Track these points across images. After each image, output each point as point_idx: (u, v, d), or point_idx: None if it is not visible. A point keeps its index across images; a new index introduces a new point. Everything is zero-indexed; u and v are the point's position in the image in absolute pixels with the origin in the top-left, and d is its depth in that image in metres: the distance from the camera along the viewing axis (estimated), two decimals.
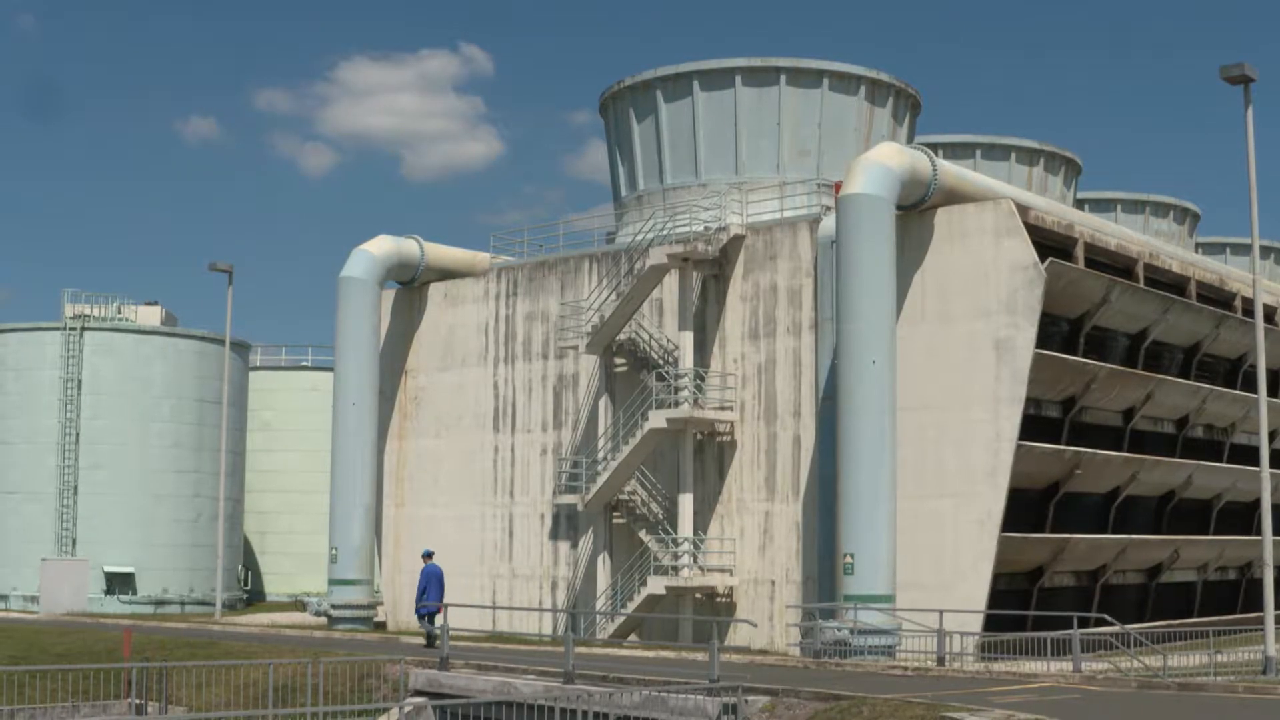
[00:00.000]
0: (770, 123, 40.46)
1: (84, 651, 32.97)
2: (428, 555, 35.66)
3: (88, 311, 55.80)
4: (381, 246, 44.94)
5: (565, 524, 42.29)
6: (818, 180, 39.84)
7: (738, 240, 38.65)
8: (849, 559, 31.74)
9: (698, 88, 40.86)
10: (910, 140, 43.25)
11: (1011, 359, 33.13)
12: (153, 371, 54.92)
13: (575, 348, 41.50)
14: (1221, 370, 44.61)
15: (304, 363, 68.29)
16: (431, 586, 34.13)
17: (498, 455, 44.15)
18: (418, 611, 34.70)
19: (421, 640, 34.43)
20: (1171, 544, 41.32)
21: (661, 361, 39.67)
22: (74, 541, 53.04)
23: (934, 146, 47.18)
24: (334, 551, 43.22)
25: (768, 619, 36.82)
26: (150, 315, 57.58)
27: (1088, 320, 36.74)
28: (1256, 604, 34.57)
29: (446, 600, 34.28)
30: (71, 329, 54.11)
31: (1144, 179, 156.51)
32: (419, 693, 27.67)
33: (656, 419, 37.59)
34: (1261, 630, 28.67)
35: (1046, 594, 37.17)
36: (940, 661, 29.33)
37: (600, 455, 40.54)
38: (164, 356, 55.23)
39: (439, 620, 33.77)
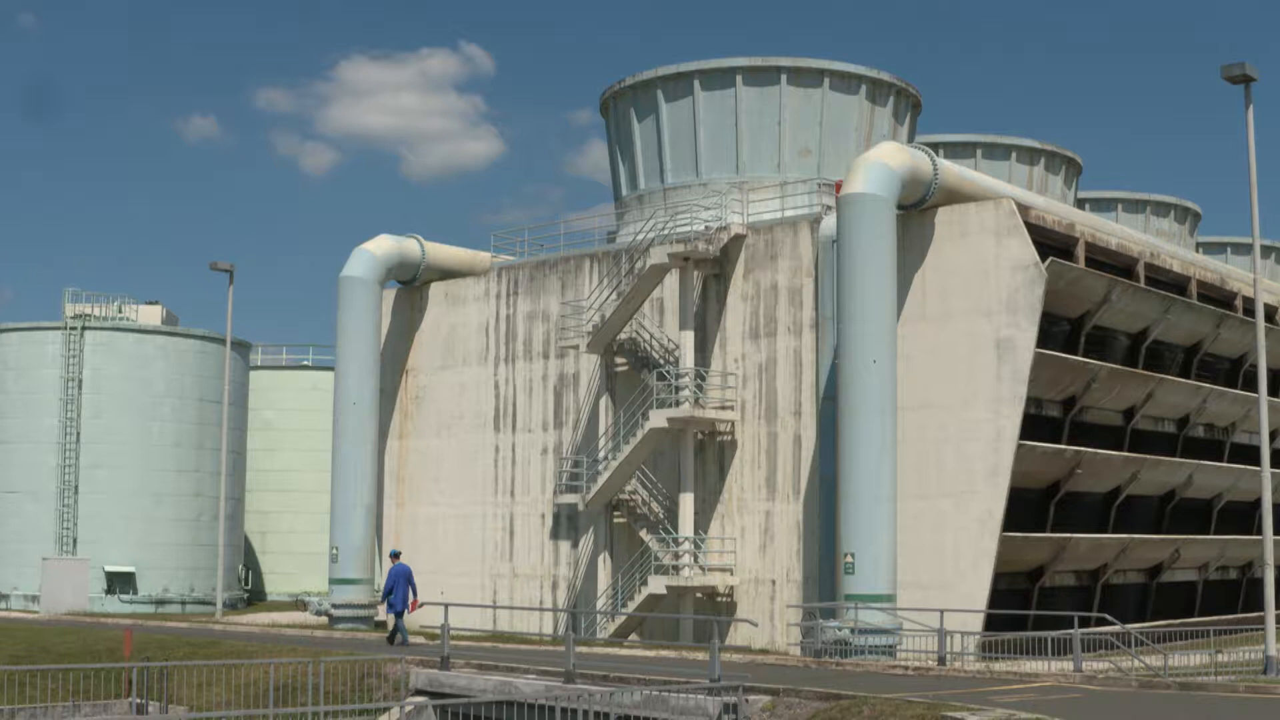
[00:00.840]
0: (771, 122, 40.47)
1: (85, 651, 32.97)
2: (395, 555, 36.17)
3: (88, 311, 55.81)
4: (382, 246, 44.95)
5: (566, 523, 42.29)
6: (818, 180, 39.84)
7: (738, 240, 38.65)
8: (849, 558, 31.75)
9: (698, 87, 40.86)
10: (911, 140, 43.25)
11: (1012, 358, 33.13)
12: (153, 371, 54.93)
13: (576, 347, 41.51)
14: (1222, 370, 44.61)
15: (305, 362, 68.29)
16: (399, 585, 34.45)
17: (498, 455, 44.16)
18: (389, 611, 34.99)
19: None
20: (1172, 543, 41.32)
21: (662, 361, 39.68)
22: (75, 541, 53.05)
23: (935, 146, 47.19)
24: (335, 551, 43.24)
25: (768, 618, 36.83)
26: (151, 315, 57.58)
27: (1088, 320, 36.74)
28: (1257, 603, 34.60)
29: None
30: (72, 328, 54.12)
31: (1144, 179, 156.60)
32: (420, 692, 27.67)
33: (657, 418, 37.59)
34: (1262, 630, 28.68)
35: (1047, 593, 37.17)
36: (941, 661, 29.34)
37: (601, 455, 40.55)
38: (165, 356, 55.24)
39: (409, 617, 34.67)
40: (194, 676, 28.52)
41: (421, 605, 36.92)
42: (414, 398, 46.43)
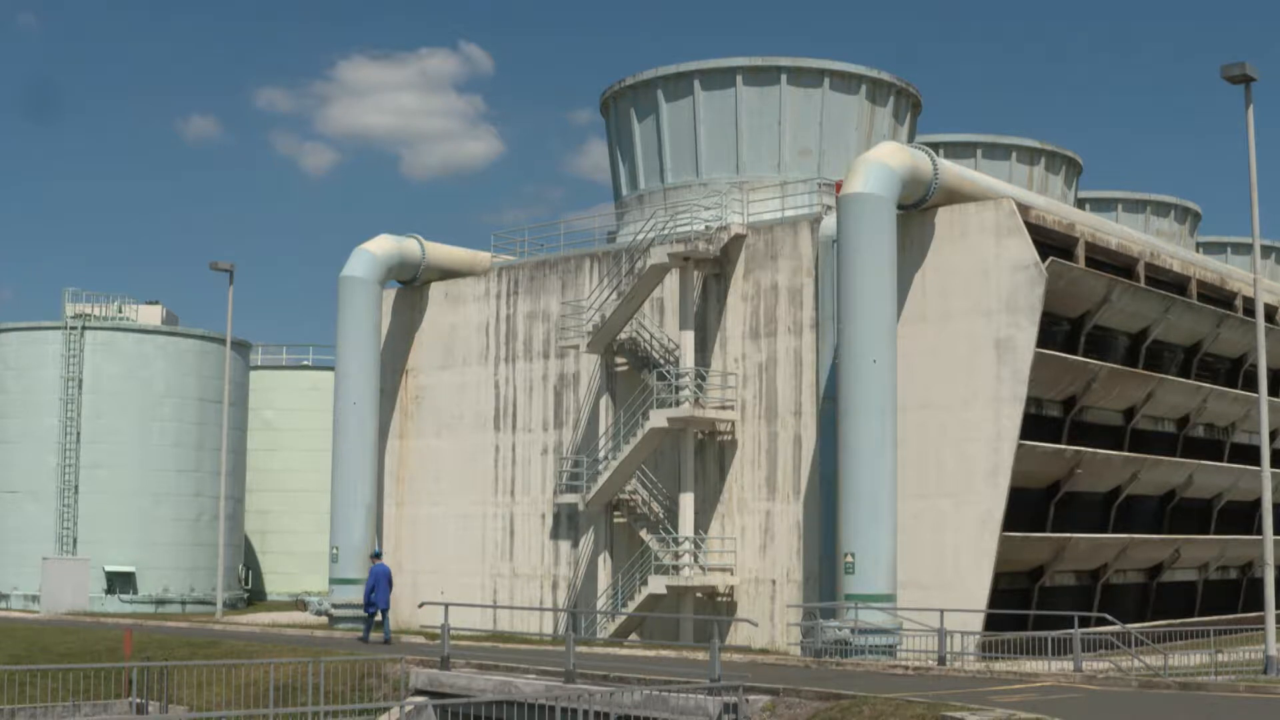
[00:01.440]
0: (771, 122, 40.47)
1: (85, 651, 32.97)
2: (376, 555, 36.41)
3: (89, 311, 55.80)
4: (382, 246, 44.96)
5: (566, 523, 42.29)
6: (819, 179, 39.84)
7: (739, 239, 38.65)
8: (850, 558, 31.75)
9: (698, 87, 40.86)
10: (911, 139, 43.25)
11: (1012, 358, 33.13)
12: (154, 371, 54.92)
13: (576, 347, 41.51)
14: (1222, 369, 44.61)
15: (305, 362, 68.28)
16: (380, 586, 34.60)
17: (499, 455, 44.16)
18: (366, 610, 35.13)
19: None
20: (1172, 543, 41.32)
21: (662, 361, 39.68)
22: (75, 541, 53.05)
23: (935, 146, 47.17)
24: (335, 551, 43.23)
25: (769, 618, 36.83)
26: (151, 314, 57.58)
27: (1088, 319, 36.74)
28: (1257, 603, 34.60)
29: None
30: (72, 328, 54.12)
31: (1144, 178, 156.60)
32: (420, 692, 27.67)
33: (657, 418, 37.59)
34: (1262, 629, 28.68)
35: (1047, 593, 37.17)
36: (941, 661, 29.34)
37: (601, 455, 40.55)
38: (165, 356, 55.23)
39: (390, 617, 35.02)
40: (194, 676, 28.52)
41: (421, 605, 36.94)
42: (414, 397, 46.43)
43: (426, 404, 46.10)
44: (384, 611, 34.75)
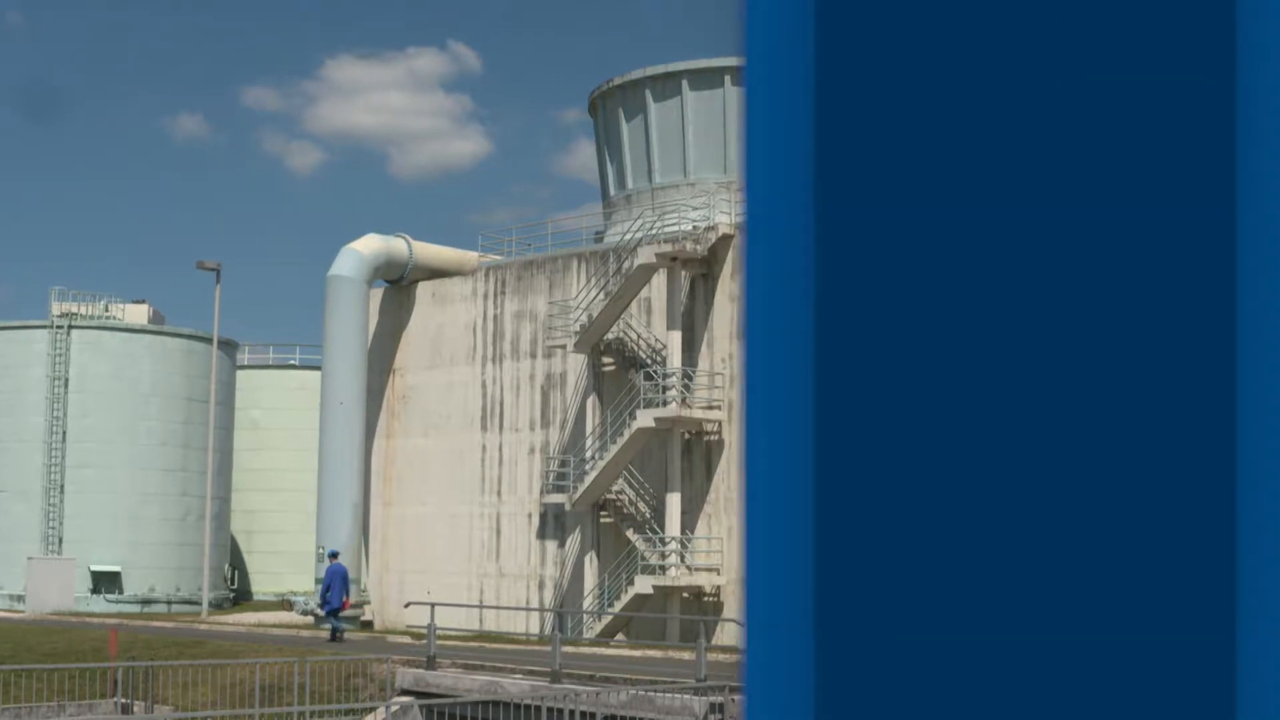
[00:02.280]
0: None
1: (70, 651, 32.86)
2: (333, 555, 36.54)
3: (75, 309, 55.65)
4: (370, 245, 44.91)
5: (553, 523, 42.26)
6: None
7: (726, 239, 38.66)
8: None
9: (687, 87, 40.88)
10: None
11: None
12: (140, 370, 54.80)
13: (563, 347, 41.49)
14: None
15: (292, 361, 68.17)
16: (335, 585, 34.77)
17: (485, 454, 44.11)
18: (323, 609, 35.39)
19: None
20: None
21: (649, 361, 39.67)
22: (60, 540, 52.92)
23: None
24: (321, 550, 43.17)
25: None
26: (138, 313, 57.44)
27: None
28: None
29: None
30: (59, 327, 53.97)
31: None
32: (405, 692, 27.64)
33: (644, 418, 37.58)
34: None
35: None
36: None
37: (588, 454, 40.53)
38: (151, 355, 55.11)
39: (357, 615, 35.07)
40: (179, 676, 28.45)
41: (408, 605, 36.88)
42: (401, 397, 46.37)
43: (414, 403, 46.04)
44: (334, 611, 34.97)
